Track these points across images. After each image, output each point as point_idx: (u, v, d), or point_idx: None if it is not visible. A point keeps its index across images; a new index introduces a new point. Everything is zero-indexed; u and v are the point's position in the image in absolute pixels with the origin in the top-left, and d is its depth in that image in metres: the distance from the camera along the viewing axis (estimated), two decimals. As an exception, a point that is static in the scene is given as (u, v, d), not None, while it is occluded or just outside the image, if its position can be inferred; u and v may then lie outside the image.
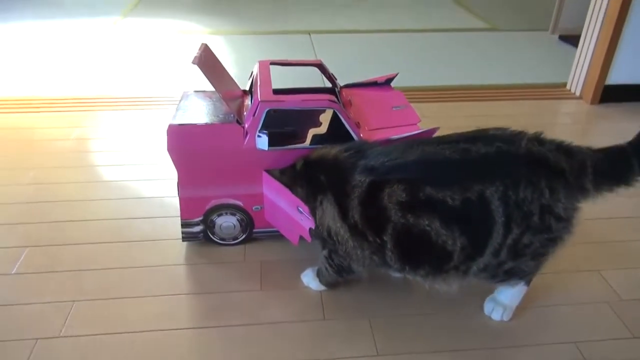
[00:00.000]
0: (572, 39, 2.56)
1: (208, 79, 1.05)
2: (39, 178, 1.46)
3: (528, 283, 0.99)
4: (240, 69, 2.14)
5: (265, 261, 1.15)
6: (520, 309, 1.02)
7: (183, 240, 1.18)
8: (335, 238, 0.96)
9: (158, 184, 1.43)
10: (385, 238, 0.90)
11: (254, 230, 1.18)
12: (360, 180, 0.91)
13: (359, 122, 1.12)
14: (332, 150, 0.98)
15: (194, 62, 1.03)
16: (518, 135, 0.89)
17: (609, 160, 0.89)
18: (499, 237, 0.86)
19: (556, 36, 2.79)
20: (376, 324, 0.99)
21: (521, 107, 1.98)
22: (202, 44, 1.17)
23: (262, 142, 1.06)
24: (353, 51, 2.60)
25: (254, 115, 1.05)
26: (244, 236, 1.18)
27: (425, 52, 2.60)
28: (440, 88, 2.15)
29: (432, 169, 0.89)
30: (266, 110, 1.05)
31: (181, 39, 2.73)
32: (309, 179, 1.00)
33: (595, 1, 1.95)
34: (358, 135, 1.07)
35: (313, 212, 0.98)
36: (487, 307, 1.02)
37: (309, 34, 2.85)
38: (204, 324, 0.99)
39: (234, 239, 1.19)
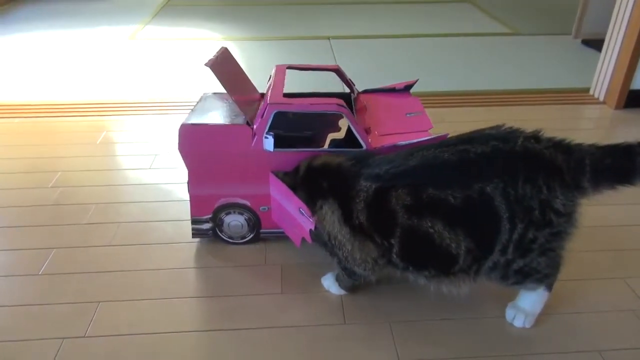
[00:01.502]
0: (595, 44, 2.52)
1: (220, 81, 1.07)
2: (65, 181, 1.49)
3: (550, 288, 0.98)
4: (260, 74, 2.16)
5: (286, 264, 1.16)
6: (543, 316, 1.01)
7: (193, 237, 1.21)
8: (333, 242, 0.98)
9: (181, 187, 1.45)
10: (392, 241, 0.92)
11: (261, 230, 1.19)
12: (365, 185, 0.93)
13: (370, 127, 1.13)
14: (336, 159, 1.01)
15: (207, 64, 1.06)
16: (514, 133, 0.90)
17: (611, 158, 0.87)
18: (506, 233, 0.87)
19: (579, 40, 2.75)
20: (397, 328, 0.99)
21: (544, 112, 1.96)
22: (222, 47, 1.20)
23: (269, 143, 1.08)
24: (373, 56, 2.61)
25: (262, 116, 1.07)
26: (251, 236, 1.20)
27: (446, 57, 2.60)
28: (461, 93, 2.14)
29: (433, 171, 0.90)
30: (274, 112, 1.06)
31: (203, 45, 2.77)
32: (310, 184, 1.02)
33: (620, 5, 1.92)
34: (365, 140, 1.08)
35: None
36: (509, 314, 1.02)
37: (329, 39, 2.86)
38: (226, 326, 1.00)
39: (242, 238, 1.21)
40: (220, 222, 1.18)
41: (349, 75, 1.30)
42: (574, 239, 1.22)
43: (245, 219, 1.18)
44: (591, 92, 2.11)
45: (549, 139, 0.89)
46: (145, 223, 1.30)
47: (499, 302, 1.04)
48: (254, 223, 1.18)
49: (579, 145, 0.89)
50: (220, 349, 0.95)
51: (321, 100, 1.10)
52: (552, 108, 1.99)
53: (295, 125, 1.25)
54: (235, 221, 1.18)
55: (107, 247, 1.22)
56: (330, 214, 0.97)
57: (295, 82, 1.31)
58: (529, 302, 1.00)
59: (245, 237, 1.21)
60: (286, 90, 1.21)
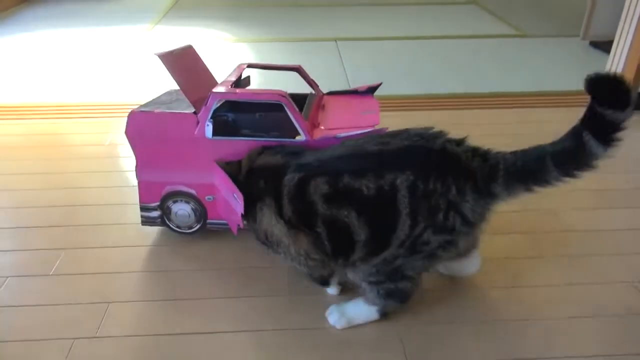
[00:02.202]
0: (603, 45, 2.51)
1: (169, 72, 1.13)
2: (75, 183, 1.50)
3: (380, 314, 0.99)
4: (266, 74, 2.18)
5: (293, 266, 1.16)
6: (552, 320, 1.01)
7: (142, 224, 1.24)
8: (271, 239, 0.99)
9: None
10: (319, 230, 0.93)
11: (208, 221, 1.21)
12: (290, 178, 0.95)
13: (319, 123, 1.16)
14: (275, 157, 1.02)
15: (156, 54, 1.12)
16: (438, 134, 0.92)
17: (522, 161, 0.87)
18: (405, 229, 0.88)
19: (587, 42, 2.74)
20: (405, 331, 0.99)
21: (552, 114, 1.96)
22: (188, 44, 1.27)
23: (208, 130, 1.12)
24: (379, 58, 2.61)
25: (206, 104, 1.11)
26: (198, 226, 1.22)
27: (453, 59, 2.60)
28: (468, 95, 2.14)
29: (351, 160, 0.92)
30: (217, 101, 1.10)
31: (211, 46, 2.79)
32: (249, 187, 1.03)
33: (629, 6, 1.91)
34: (305, 129, 1.10)
35: (254, 220, 1.01)
36: (331, 309, 1.01)
37: (335, 41, 2.87)
38: (231, 328, 1.01)
39: (189, 228, 1.23)
40: (167, 210, 1.20)
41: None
42: (582, 241, 1.23)
43: (191, 209, 1.19)
44: (599, 95, 2.10)
45: (470, 145, 0.91)
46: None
47: (509, 305, 1.05)
48: (201, 213, 1.20)
49: (498, 153, 0.90)
50: (228, 351, 0.96)
51: (263, 90, 1.14)
52: (560, 110, 1.99)
53: (263, 126, 1.27)
54: (182, 210, 1.20)
55: (116, 248, 1.23)
56: (268, 212, 0.98)
57: (269, 85, 1.32)
58: (357, 310, 1.00)
59: (192, 228, 1.22)
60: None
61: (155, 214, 1.22)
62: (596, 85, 0.81)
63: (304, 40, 2.91)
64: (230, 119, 1.27)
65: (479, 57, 2.61)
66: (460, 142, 0.91)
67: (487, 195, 0.88)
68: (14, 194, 1.46)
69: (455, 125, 1.84)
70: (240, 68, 1.29)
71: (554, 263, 1.17)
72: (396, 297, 0.97)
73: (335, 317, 1.00)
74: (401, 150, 0.90)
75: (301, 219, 0.95)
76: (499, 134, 1.79)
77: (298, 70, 1.31)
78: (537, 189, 0.88)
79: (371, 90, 1.31)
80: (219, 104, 1.11)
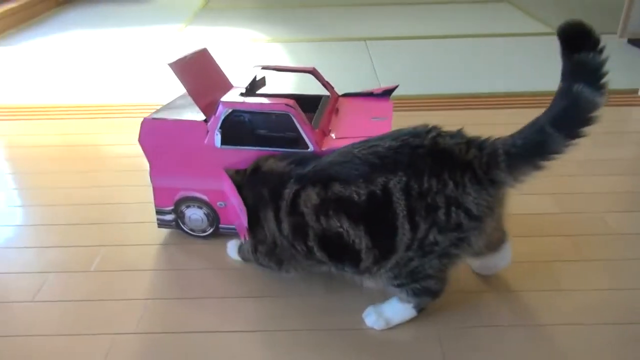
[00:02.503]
0: (642, 43, 2.45)
1: (180, 80, 1.15)
2: (109, 181, 1.54)
3: (418, 310, 0.97)
4: (285, 75, 2.19)
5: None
6: (593, 326, 0.99)
7: (158, 227, 1.26)
8: (271, 238, 1.00)
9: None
10: (310, 244, 0.93)
11: (221, 225, 1.23)
12: (288, 191, 0.94)
13: (331, 130, 1.15)
14: (281, 163, 1.01)
15: (168, 64, 1.14)
16: (429, 130, 0.88)
17: (523, 139, 0.83)
18: (406, 232, 0.85)
19: (625, 40, 2.67)
20: (445, 333, 0.98)
21: (588, 114, 1.90)
22: (202, 48, 1.28)
23: (217, 139, 1.13)
24: (409, 58, 2.59)
25: (215, 114, 1.12)
26: (211, 230, 1.24)
27: (486, 58, 2.56)
28: (501, 94, 2.10)
29: (341, 167, 0.90)
30: (225, 110, 1.11)
31: (242, 46, 2.81)
32: (253, 190, 1.03)
33: (671, 3, 1.86)
34: (312, 141, 1.09)
35: (257, 220, 1.02)
36: (368, 311, 1.00)
37: (365, 41, 2.86)
38: (267, 327, 1.01)
39: (202, 232, 1.25)
40: (181, 214, 1.23)
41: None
42: (626, 245, 1.20)
43: (204, 214, 1.21)
44: (639, 94, 2.04)
45: (464, 136, 0.88)
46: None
47: (550, 309, 1.03)
48: (213, 218, 1.22)
49: (496, 139, 0.87)
50: (261, 350, 0.96)
51: (271, 100, 1.15)
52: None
53: (280, 127, 1.26)
54: (195, 215, 1.22)
55: (152, 246, 1.25)
56: (273, 222, 0.98)
57: (286, 84, 1.32)
58: (394, 309, 0.98)
59: (205, 231, 1.24)
60: (271, 91, 1.29)
61: (170, 217, 1.24)
62: (572, 29, 0.81)
63: (333, 40, 2.91)
64: (246, 119, 1.27)
65: (513, 56, 2.57)
66: (453, 135, 0.88)
67: (489, 185, 0.84)
68: (51, 191, 1.49)
69: (485, 125, 1.82)
70: (255, 70, 1.29)
71: (596, 267, 1.14)
72: (426, 294, 0.95)
73: (372, 318, 0.99)
74: (390, 151, 0.87)
75: (295, 233, 0.95)
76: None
77: (312, 72, 1.31)
78: (545, 163, 0.83)
79: (387, 92, 1.30)
80: (228, 113, 1.11)
